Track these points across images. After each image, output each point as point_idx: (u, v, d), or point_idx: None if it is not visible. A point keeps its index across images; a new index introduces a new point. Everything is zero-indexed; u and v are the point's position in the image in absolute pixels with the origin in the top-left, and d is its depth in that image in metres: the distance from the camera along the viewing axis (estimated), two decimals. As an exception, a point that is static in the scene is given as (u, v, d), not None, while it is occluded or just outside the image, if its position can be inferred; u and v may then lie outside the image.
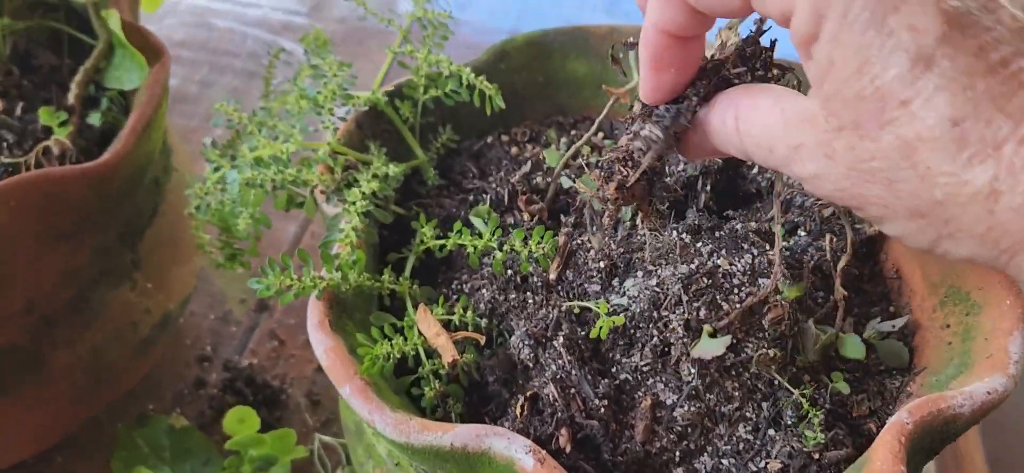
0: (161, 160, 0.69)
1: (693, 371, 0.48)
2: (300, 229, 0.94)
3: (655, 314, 0.49)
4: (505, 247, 0.53)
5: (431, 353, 0.50)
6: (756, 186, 0.64)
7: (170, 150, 0.73)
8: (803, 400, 0.47)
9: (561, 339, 0.49)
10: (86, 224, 0.60)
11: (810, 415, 0.47)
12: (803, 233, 0.59)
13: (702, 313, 0.47)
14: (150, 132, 0.63)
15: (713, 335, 0.46)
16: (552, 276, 0.53)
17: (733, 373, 0.49)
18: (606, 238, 0.53)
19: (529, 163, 0.63)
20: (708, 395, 0.48)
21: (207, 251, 0.62)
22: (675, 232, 0.52)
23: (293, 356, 0.80)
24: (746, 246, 0.52)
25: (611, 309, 0.49)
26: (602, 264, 0.52)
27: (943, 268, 0.52)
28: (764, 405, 0.49)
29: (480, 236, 0.55)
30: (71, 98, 0.67)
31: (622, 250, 0.53)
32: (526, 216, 0.58)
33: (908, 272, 0.55)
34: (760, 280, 0.49)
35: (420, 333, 0.50)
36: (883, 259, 0.58)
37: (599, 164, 0.44)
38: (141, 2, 0.82)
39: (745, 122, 0.39)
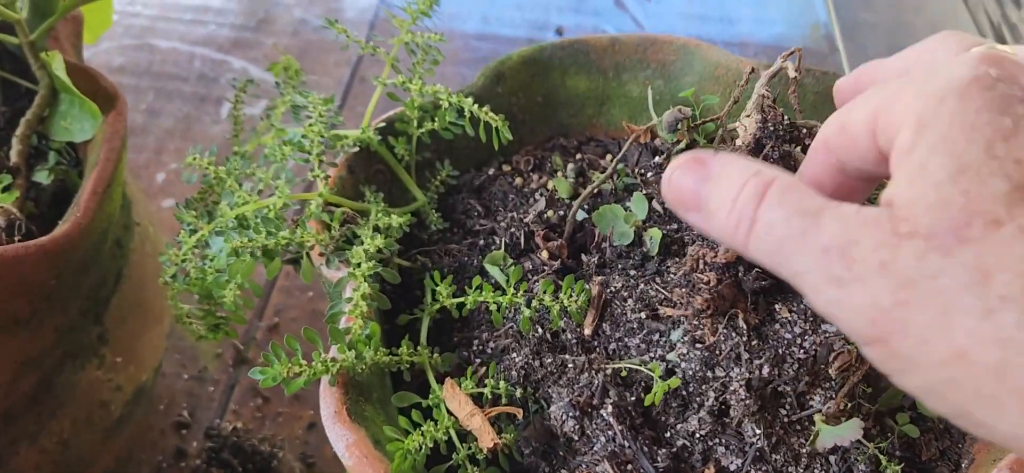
0: (122, 217, 0.62)
1: (758, 431, 0.43)
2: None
3: (710, 374, 0.44)
4: (533, 303, 0.47)
5: (464, 435, 0.44)
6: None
7: (130, 203, 0.65)
8: (879, 454, 0.43)
9: (610, 407, 0.44)
10: (45, 305, 0.53)
11: (888, 470, 0.43)
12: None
13: (766, 370, 0.43)
14: (111, 193, 0.56)
15: (827, 421, 0.42)
16: (587, 331, 0.48)
17: (798, 429, 0.44)
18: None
19: (541, 198, 0.58)
20: (774, 456, 0.44)
21: (185, 322, 0.55)
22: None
23: (280, 414, 0.73)
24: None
25: (663, 370, 0.44)
26: (642, 315, 0.47)
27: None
28: (832, 460, 0.44)
29: (502, 290, 0.50)
30: (14, 155, 0.59)
31: (661, 295, 0.48)
32: (545, 254, 0.52)
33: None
34: (822, 326, 0.45)
35: (449, 412, 0.45)
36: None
37: (676, 282, 0.39)
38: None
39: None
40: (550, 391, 0.45)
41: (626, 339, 0.47)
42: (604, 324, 0.48)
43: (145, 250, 0.66)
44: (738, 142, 0.43)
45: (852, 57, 1.12)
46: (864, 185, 0.37)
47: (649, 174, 0.58)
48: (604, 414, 0.43)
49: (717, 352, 0.44)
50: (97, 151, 0.58)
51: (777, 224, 0.29)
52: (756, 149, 0.44)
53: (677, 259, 0.54)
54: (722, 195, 0.31)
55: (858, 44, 1.16)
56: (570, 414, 0.44)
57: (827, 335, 0.44)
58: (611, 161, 0.63)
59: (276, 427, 0.73)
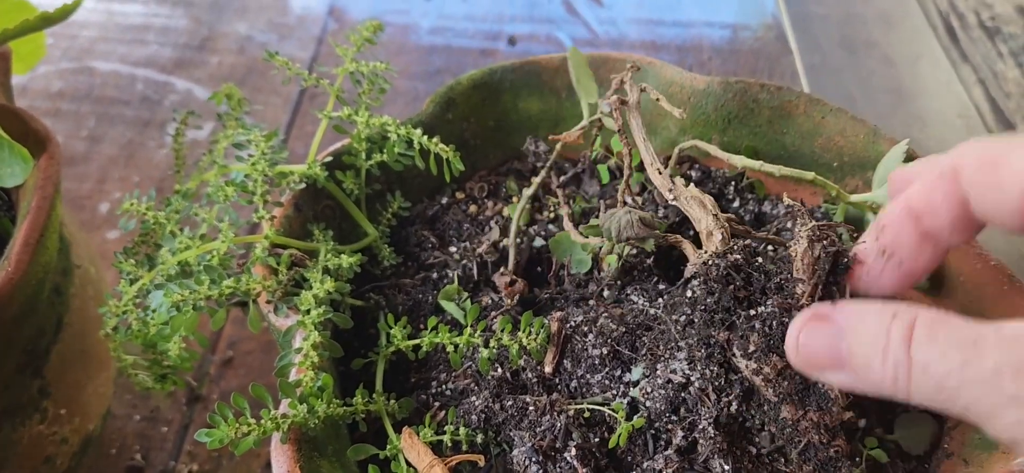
0: (60, 262, 0.59)
1: (726, 467, 0.42)
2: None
3: (676, 415, 0.43)
4: (492, 343, 0.46)
5: (424, 487, 0.43)
6: (739, 220, 0.59)
7: (68, 244, 0.62)
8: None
9: (573, 450, 0.42)
10: (-22, 364, 0.50)
11: (856, 500, 0.42)
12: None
13: (734, 407, 0.42)
14: (45, 242, 0.53)
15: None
16: (548, 369, 0.46)
17: (768, 462, 0.43)
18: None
19: (494, 226, 0.56)
20: (742, 490, 0.43)
21: (131, 374, 0.53)
22: (677, 311, 0.46)
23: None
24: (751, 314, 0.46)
25: (627, 408, 0.43)
26: (603, 350, 0.46)
27: (964, 306, 0.49)
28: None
29: (458, 328, 0.48)
30: (-60, 204, 0.56)
31: (622, 330, 0.47)
32: (508, 301, 0.51)
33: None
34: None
35: (408, 464, 0.43)
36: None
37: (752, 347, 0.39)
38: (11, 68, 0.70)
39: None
40: (512, 435, 0.44)
41: (588, 376, 0.46)
42: (565, 361, 0.47)
43: (87, 294, 0.63)
44: (795, 269, 0.42)
45: (805, 54, 1.12)
46: (979, 226, 0.35)
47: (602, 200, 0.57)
48: (568, 458, 0.42)
49: (684, 391, 0.43)
50: (29, 198, 0.55)
51: (935, 362, 0.28)
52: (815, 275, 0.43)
53: (637, 286, 0.53)
54: (867, 349, 0.29)
55: (809, 36, 1.16)
56: (533, 459, 0.42)
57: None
58: (566, 183, 0.62)
59: (233, 467, 0.70)
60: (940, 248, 0.36)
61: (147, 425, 0.74)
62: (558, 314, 0.48)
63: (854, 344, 0.30)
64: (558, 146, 0.50)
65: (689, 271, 0.46)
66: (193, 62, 1.09)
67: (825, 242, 0.42)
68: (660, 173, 0.47)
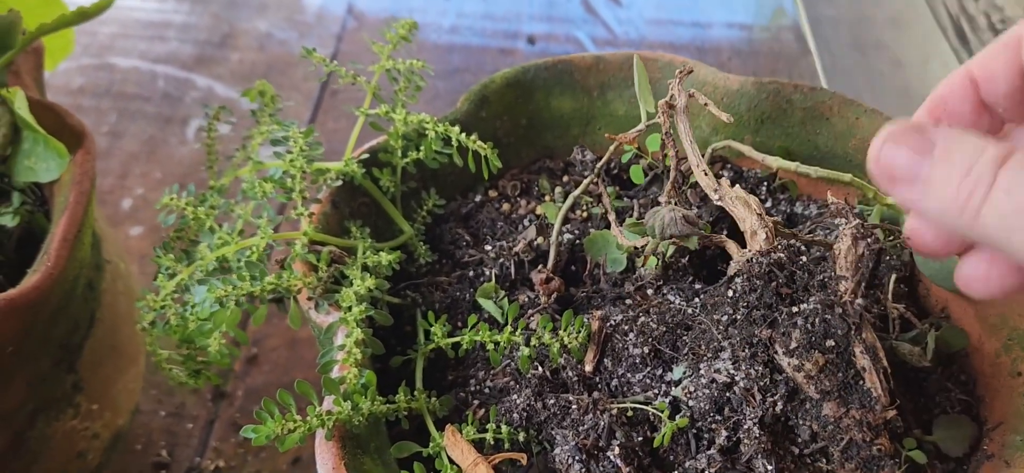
0: (93, 258, 0.59)
1: (770, 467, 0.42)
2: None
3: (720, 415, 0.43)
4: (532, 341, 0.46)
5: (468, 485, 0.43)
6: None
7: (100, 241, 0.62)
8: (891, 485, 0.43)
9: (616, 449, 0.42)
10: (15, 359, 0.50)
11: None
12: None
13: (780, 407, 0.42)
14: (82, 237, 0.53)
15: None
16: (588, 368, 0.46)
17: (809, 462, 0.43)
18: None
19: (531, 225, 0.56)
20: (785, 490, 0.43)
21: (165, 369, 0.53)
22: (719, 310, 0.46)
23: (263, 450, 0.71)
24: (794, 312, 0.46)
25: (669, 408, 0.43)
26: (645, 349, 0.46)
27: (1003, 309, 0.49)
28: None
29: (498, 326, 0.48)
30: (-26, 199, 0.57)
31: (662, 328, 0.47)
32: (544, 299, 0.51)
33: (958, 313, 0.51)
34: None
35: (452, 462, 0.43)
36: (924, 294, 0.54)
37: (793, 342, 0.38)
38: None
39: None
40: (554, 433, 0.44)
41: (628, 375, 0.46)
42: (606, 360, 0.47)
43: (117, 289, 0.63)
44: (838, 266, 0.42)
45: (821, 53, 1.12)
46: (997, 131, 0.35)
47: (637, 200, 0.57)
48: (611, 457, 0.42)
49: (728, 390, 0.43)
50: (65, 192, 0.55)
51: (1019, 187, 0.27)
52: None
53: (673, 286, 0.53)
54: (951, 167, 0.29)
55: (821, 38, 1.16)
56: (576, 458, 0.42)
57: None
58: (598, 183, 0.62)
59: (259, 464, 0.70)
60: (996, 122, 0.36)
61: (173, 421, 0.74)
62: (598, 313, 0.48)
63: (939, 163, 0.29)
64: (612, 148, 0.50)
65: (732, 268, 0.46)
66: (213, 59, 1.09)
67: (869, 240, 0.42)
68: (706, 174, 0.47)
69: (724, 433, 0.42)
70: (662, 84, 0.61)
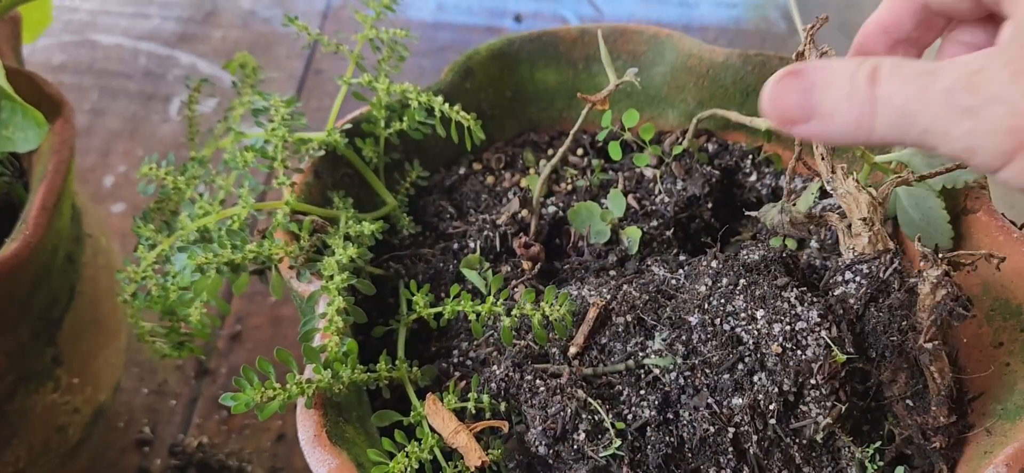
0: (73, 230, 0.59)
1: (752, 438, 0.42)
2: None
3: (708, 402, 0.43)
4: (514, 312, 0.46)
5: (449, 453, 0.42)
6: (756, 195, 0.59)
7: (80, 214, 0.62)
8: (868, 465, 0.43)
9: (582, 435, 0.42)
10: (-7, 329, 0.50)
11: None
12: (815, 243, 0.55)
13: (776, 396, 0.42)
14: (61, 206, 0.52)
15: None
16: (572, 350, 0.46)
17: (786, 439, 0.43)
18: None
19: (515, 198, 0.56)
20: (767, 462, 0.43)
21: (148, 341, 0.52)
22: (699, 281, 0.46)
23: (247, 427, 0.71)
24: (775, 292, 0.46)
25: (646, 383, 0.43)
26: (628, 318, 0.46)
27: (985, 278, 0.49)
28: (825, 459, 0.44)
29: (480, 296, 0.48)
30: (-47, 169, 0.56)
31: (645, 298, 0.47)
32: (526, 265, 0.51)
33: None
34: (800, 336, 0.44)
35: (433, 430, 0.43)
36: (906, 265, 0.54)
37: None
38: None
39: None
40: (525, 411, 0.44)
41: (611, 343, 0.46)
42: (597, 337, 0.47)
43: (98, 263, 0.63)
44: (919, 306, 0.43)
45: (810, 37, 1.12)
46: (943, 22, 0.39)
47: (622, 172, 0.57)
48: (577, 439, 0.42)
49: (706, 366, 0.43)
50: (44, 162, 0.54)
51: (896, 92, 0.30)
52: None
53: (657, 258, 0.52)
54: (835, 95, 0.31)
55: (808, 19, 1.16)
56: (543, 441, 0.42)
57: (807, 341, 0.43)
58: (583, 156, 0.61)
59: (243, 440, 0.70)
60: (914, 53, 0.40)
61: (155, 398, 0.73)
62: (598, 300, 0.47)
63: (823, 95, 0.32)
64: (586, 110, 0.50)
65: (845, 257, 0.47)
66: (197, 36, 1.08)
67: (947, 291, 0.43)
68: (822, 159, 0.48)
69: (706, 417, 0.42)
70: (647, 57, 0.61)
